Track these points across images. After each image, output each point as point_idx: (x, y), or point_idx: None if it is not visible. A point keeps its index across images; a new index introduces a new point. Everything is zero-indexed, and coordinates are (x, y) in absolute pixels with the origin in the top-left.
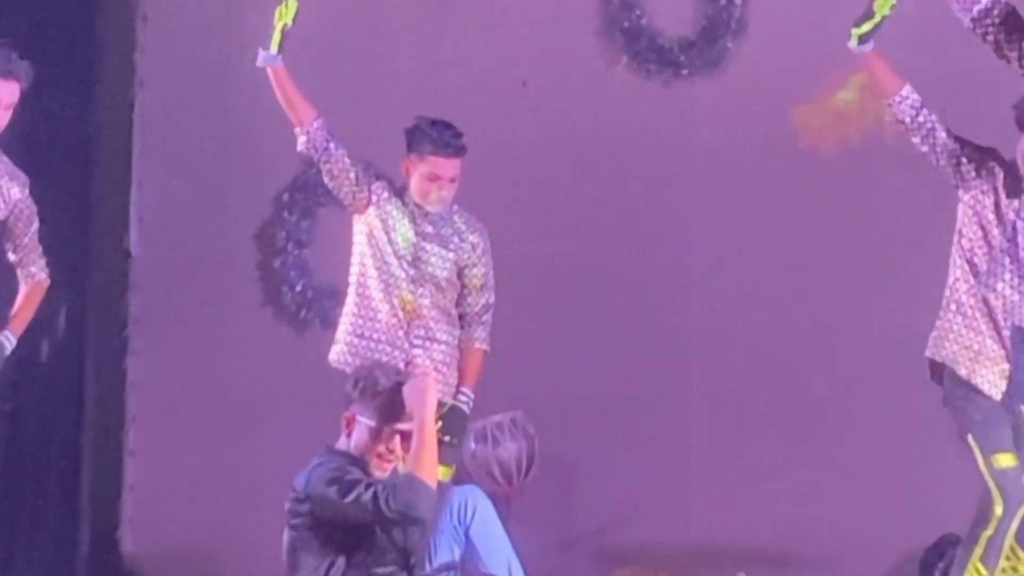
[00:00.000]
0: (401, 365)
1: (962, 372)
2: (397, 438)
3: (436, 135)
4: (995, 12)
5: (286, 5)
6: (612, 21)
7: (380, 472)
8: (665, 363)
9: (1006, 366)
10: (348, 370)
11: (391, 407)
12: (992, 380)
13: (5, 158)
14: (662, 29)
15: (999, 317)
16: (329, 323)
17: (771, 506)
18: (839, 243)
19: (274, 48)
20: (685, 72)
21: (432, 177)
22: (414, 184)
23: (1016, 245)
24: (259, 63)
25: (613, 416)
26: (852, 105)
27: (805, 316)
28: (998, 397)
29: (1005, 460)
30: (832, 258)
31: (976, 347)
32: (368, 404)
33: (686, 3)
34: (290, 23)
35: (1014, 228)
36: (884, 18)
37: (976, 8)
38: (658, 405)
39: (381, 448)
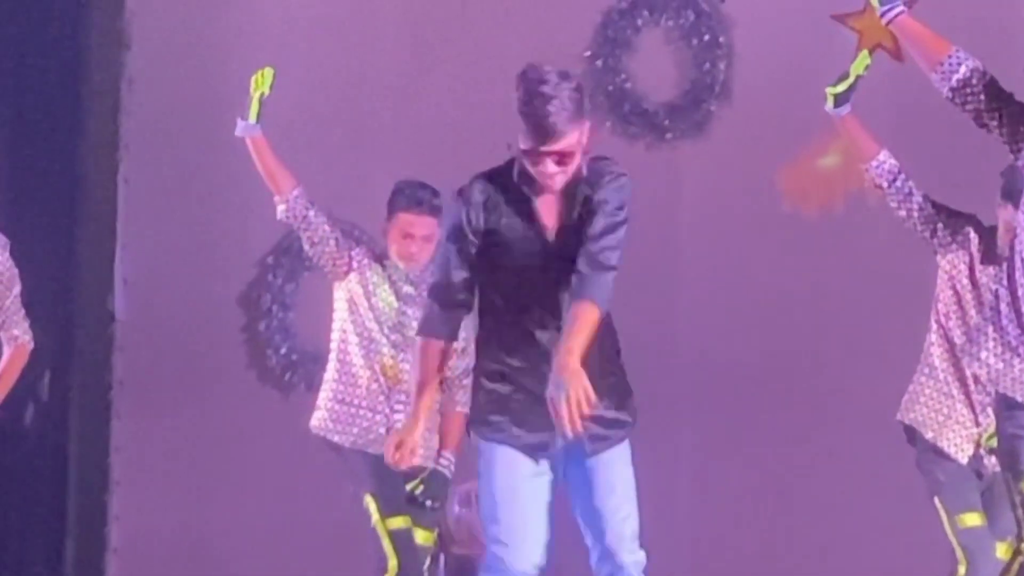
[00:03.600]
0: (383, 431)
1: (928, 435)
2: None
3: (409, 192)
4: (974, 82)
5: (262, 74)
6: (597, 84)
7: None
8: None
9: (975, 430)
10: (330, 437)
11: None
12: (959, 444)
13: None
14: (646, 93)
15: (971, 383)
16: (314, 386)
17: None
18: (823, 305)
19: (252, 117)
20: (669, 136)
21: (405, 235)
22: (391, 245)
23: (998, 313)
24: (238, 133)
25: None
26: (835, 169)
27: (790, 381)
28: (964, 460)
29: (970, 519)
30: (816, 320)
31: (946, 411)
32: None
33: (670, 67)
34: (267, 91)
35: (996, 296)
36: (859, 78)
37: (955, 78)
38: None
39: None
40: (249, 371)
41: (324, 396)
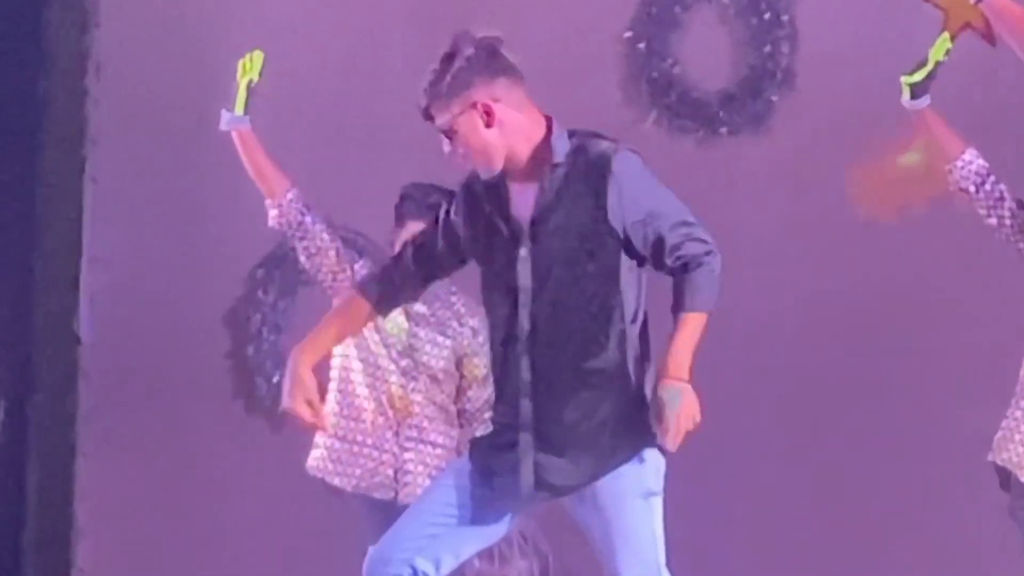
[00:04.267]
0: (390, 473)
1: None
2: None
3: (420, 197)
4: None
5: (251, 58)
6: (638, 70)
7: None
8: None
9: None
10: (330, 479)
11: None
12: None
13: None
14: (697, 80)
15: None
16: None
17: None
18: (898, 323)
19: (239, 108)
20: (723, 130)
21: None
22: None
23: None
24: (223, 126)
25: None
26: (915, 170)
27: (857, 408)
28: None
29: None
30: (891, 341)
31: None
32: None
33: (724, 50)
34: (256, 78)
35: None
36: (938, 65)
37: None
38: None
39: None
40: (236, 402)
41: (323, 432)
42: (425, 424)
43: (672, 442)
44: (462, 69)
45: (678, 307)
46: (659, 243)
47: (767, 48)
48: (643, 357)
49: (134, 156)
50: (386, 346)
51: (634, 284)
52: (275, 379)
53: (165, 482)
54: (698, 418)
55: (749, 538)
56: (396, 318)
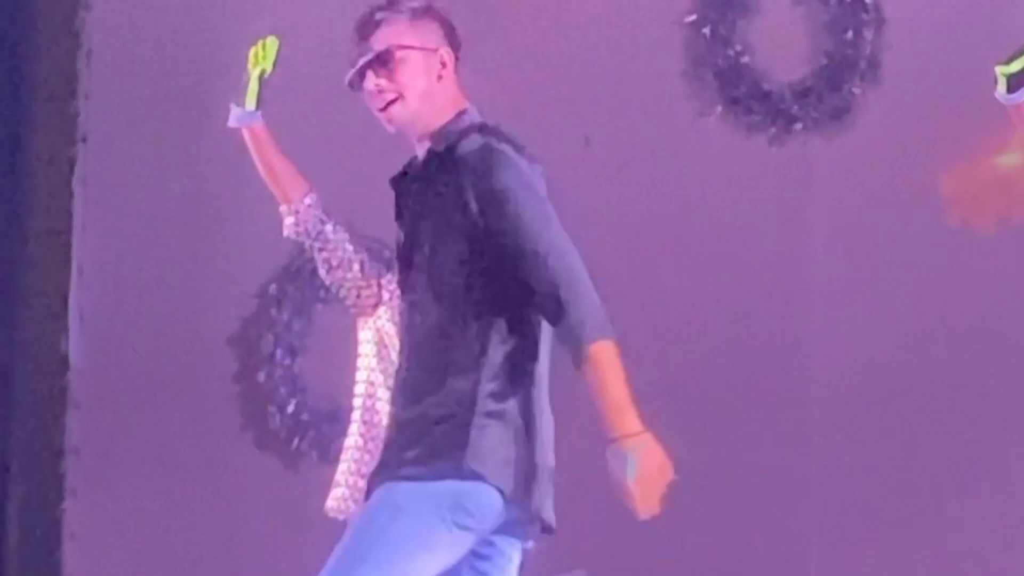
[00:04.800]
0: None
1: None
2: None
3: None
4: None
5: (263, 46)
6: (702, 59)
7: None
8: (781, 484)
9: None
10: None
11: None
12: None
13: None
14: (769, 70)
15: None
16: (329, 456)
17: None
18: (995, 339)
19: (250, 102)
20: (799, 126)
21: None
22: None
23: None
24: (232, 123)
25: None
26: (1016, 171)
27: (941, 425)
28: None
29: None
30: (987, 358)
31: None
32: None
33: (800, 37)
34: (270, 69)
35: None
36: None
37: None
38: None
39: None
40: (245, 435)
41: (344, 468)
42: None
43: (642, 510)
44: (436, 14)
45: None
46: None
47: (848, 34)
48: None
49: (130, 156)
50: None
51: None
52: (290, 409)
53: (164, 526)
54: (668, 472)
55: None
56: None
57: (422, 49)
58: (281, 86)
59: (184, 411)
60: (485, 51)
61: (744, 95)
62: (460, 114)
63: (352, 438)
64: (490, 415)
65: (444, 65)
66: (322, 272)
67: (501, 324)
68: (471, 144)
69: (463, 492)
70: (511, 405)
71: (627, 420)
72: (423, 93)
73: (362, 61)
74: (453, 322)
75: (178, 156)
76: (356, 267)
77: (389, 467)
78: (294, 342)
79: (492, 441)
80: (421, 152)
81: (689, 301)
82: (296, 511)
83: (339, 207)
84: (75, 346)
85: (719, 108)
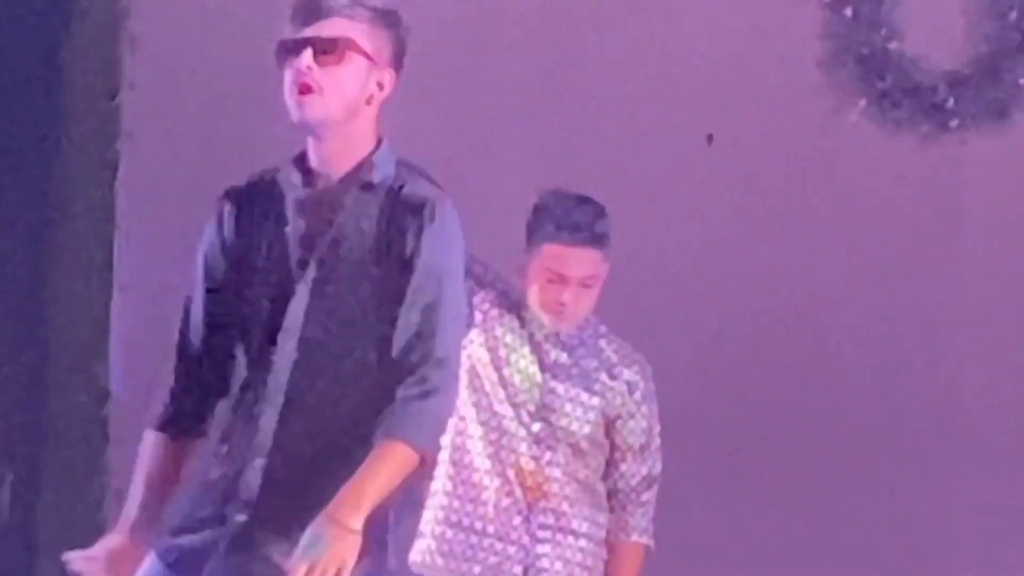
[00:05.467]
0: (518, 571)
1: None
2: None
3: (561, 212)
4: None
5: None
6: (845, 46)
7: None
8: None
9: None
10: None
11: None
12: None
13: None
14: (920, 58)
15: None
16: (410, 503)
17: None
18: None
19: None
20: (954, 123)
21: (553, 276)
22: (533, 289)
23: None
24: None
25: None
26: None
27: None
28: None
29: None
30: None
31: None
32: None
33: (955, 20)
34: None
35: None
36: None
37: None
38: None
39: None
40: None
41: (431, 517)
42: (564, 508)
43: None
44: (396, 28)
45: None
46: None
47: (1012, 15)
48: None
49: (178, 154)
50: (514, 406)
51: None
52: None
53: None
54: None
55: None
56: (527, 368)
57: (369, 59)
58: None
59: None
60: (601, 38)
61: (891, 87)
62: (380, 143)
63: (439, 482)
64: None
65: (381, 88)
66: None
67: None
68: (419, 190)
69: None
70: None
71: (353, 508)
72: (348, 103)
73: (308, 33)
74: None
75: (233, 156)
76: None
77: None
78: None
79: None
80: (332, 170)
81: (824, 313)
82: None
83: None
84: (116, 374)
85: (862, 102)
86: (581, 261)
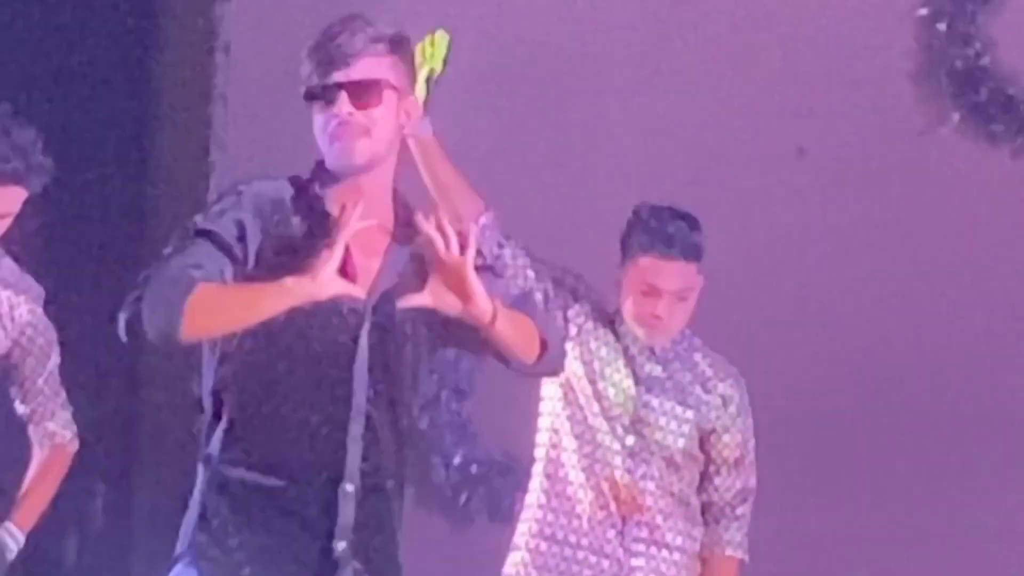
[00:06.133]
0: None
1: None
2: None
3: (656, 225)
4: None
5: (431, 42)
6: (937, 60)
7: None
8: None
9: None
10: None
11: None
12: None
13: (9, 262)
14: (1014, 71)
15: None
16: (502, 515)
17: None
18: None
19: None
20: None
21: (648, 289)
22: (627, 303)
23: None
24: None
25: None
26: None
27: None
28: None
29: None
30: None
31: None
32: None
33: None
34: (439, 69)
35: None
36: None
37: None
38: None
39: None
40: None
41: (525, 530)
42: (659, 521)
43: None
44: (409, 51)
45: None
46: None
47: None
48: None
49: (270, 163)
50: (608, 419)
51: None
52: (456, 460)
53: None
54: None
55: None
56: (621, 382)
57: (398, 91)
58: (447, 89)
59: None
60: (697, 50)
61: (985, 101)
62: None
63: (534, 495)
64: None
65: (408, 116)
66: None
67: None
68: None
69: None
70: None
71: None
72: (391, 140)
73: (340, 78)
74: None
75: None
76: (539, 297)
77: None
78: (462, 384)
79: None
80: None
81: (918, 326)
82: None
83: (518, 229)
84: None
85: (956, 116)
86: (676, 274)
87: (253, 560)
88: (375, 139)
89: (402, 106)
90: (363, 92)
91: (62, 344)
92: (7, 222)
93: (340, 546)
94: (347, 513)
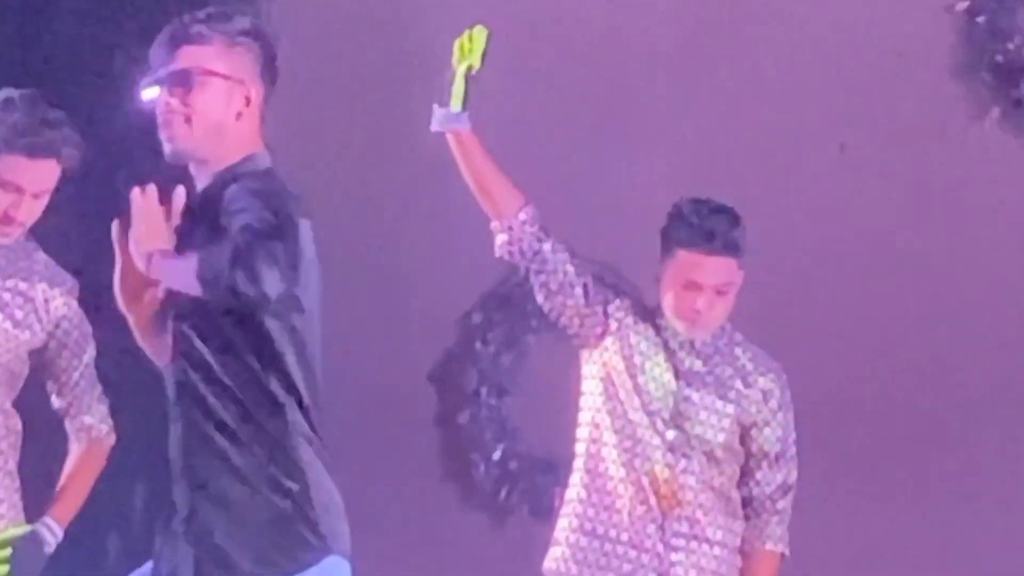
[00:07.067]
0: None
1: None
2: None
3: (697, 220)
4: None
5: (470, 37)
6: (977, 56)
7: None
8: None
9: None
10: None
11: None
12: None
13: (43, 255)
14: None
15: None
16: (543, 511)
17: None
18: None
19: (456, 104)
20: None
21: (688, 284)
22: (667, 296)
23: None
24: (435, 127)
25: None
26: None
27: None
28: None
29: None
30: None
31: None
32: None
33: None
34: (478, 64)
35: None
36: None
37: None
38: None
39: None
40: (445, 485)
41: (565, 525)
42: (699, 516)
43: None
44: (260, 41)
45: None
46: None
47: None
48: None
49: (313, 165)
50: (648, 413)
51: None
52: (496, 456)
53: None
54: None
55: None
56: (662, 376)
57: (227, 79)
58: (487, 84)
59: (377, 457)
60: (736, 45)
61: None
62: (248, 158)
63: (574, 490)
64: None
65: (248, 102)
66: (539, 298)
67: None
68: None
69: None
70: None
71: None
72: (213, 125)
73: (161, 72)
74: None
75: (369, 165)
76: (579, 291)
77: None
78: (502, 379)
79: None
80: (201, 185)
81: (956, 321)
82: (505, 574)
83: (558, 224)
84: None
85: (996, 111)
86: (716, 269)
87: None
88: (193, 126)
89: (235, 92)
90: (180, 81)
91: (100, 340)
92: (43, 202)
93: None
94: None
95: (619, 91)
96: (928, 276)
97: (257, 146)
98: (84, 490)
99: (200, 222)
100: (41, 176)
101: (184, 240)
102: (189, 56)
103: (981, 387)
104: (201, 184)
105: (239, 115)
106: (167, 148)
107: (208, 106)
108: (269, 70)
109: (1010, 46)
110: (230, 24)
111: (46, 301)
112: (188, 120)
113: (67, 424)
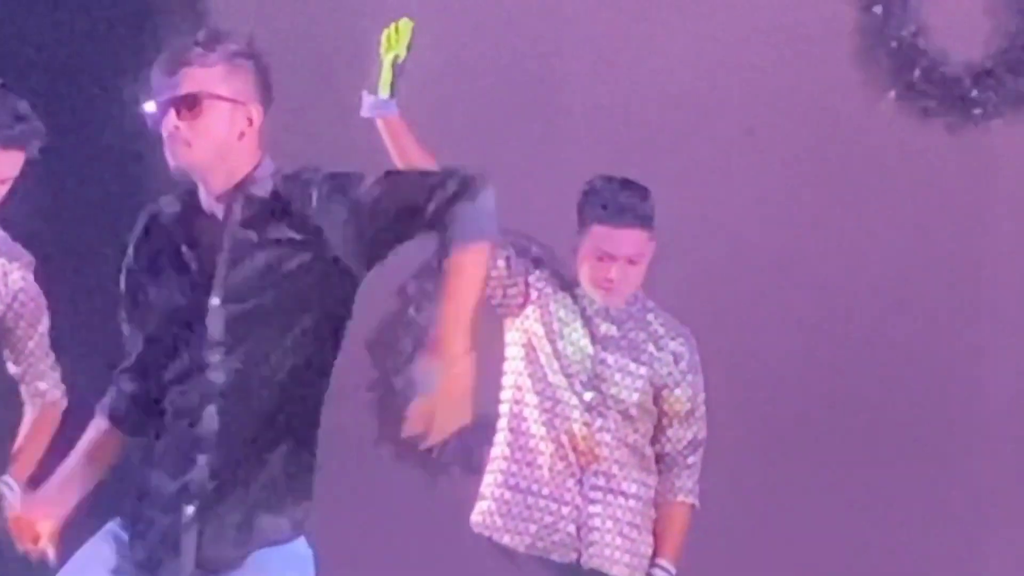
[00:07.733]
0: (572, 529)
1: None
2: None
3: (608, 194)
4: None
5: (396, 28)
6: (875, 41)
7: None
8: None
9: None
10: (499, 538)
11: None
12: None
13: (1, 231)
14: (947, 51)
15: None
16: (474, 467)
17: None
18: None
19: (383, 90)
20: (978, 111)
21: (602, 255)
22: (583, 268)
23: None
24: (365, 112)
25: None
26: None
27: None
28: None
29: None
30: None
31: None
32: None
33: (980, 16)
34: (403, 54)
35: None
36: None
37: None
38: None
39: None
40: (381, 446)
41: (490, 480)
42: (615, 470)
43: (407, 429)
44: (255, 62)
45: (441, 255)
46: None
47: None
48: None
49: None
50: (567, 376)
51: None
52: None
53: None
54: (461, 413)
55: None
56: (579, 341)
57: (231, 101)
58: (415, 72)
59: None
60: (650, 36)
61: (919, 79)
62: (257, 165)
63: (499, 448)
64: None
65: (250, 123)
66: None
67: None
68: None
69: None
70: None
71: (455, 337)
72: (219, 147)
73: (168, 95)
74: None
75: (308, 147)
76: (501, 264)
77: None
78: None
79: None
80: (213, 202)
81: (857, 301)
82: (438, 524)
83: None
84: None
85: (892, 93)
86: (627, 240)
87: None
88: (195, 148)
89: (238, 114)
90: (187, 106)
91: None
92: (7, 186)
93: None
94: None
95: (542, 78)
96: (831, 250)
97: (258, 156)
98: (39, 450)
99: (265, 225)
100: (8, 164)
101: (245, 246)
102: (193, 79)
103: (875, 370)
104: (210, 194)
105: (242, 135)
106: (172, 164)
107: (213, 128)
108: (266, 90)
109: (905, 33)
110: (228, 45)
111: (4, 275)
112: (194, 143)
113: (22, 389)
